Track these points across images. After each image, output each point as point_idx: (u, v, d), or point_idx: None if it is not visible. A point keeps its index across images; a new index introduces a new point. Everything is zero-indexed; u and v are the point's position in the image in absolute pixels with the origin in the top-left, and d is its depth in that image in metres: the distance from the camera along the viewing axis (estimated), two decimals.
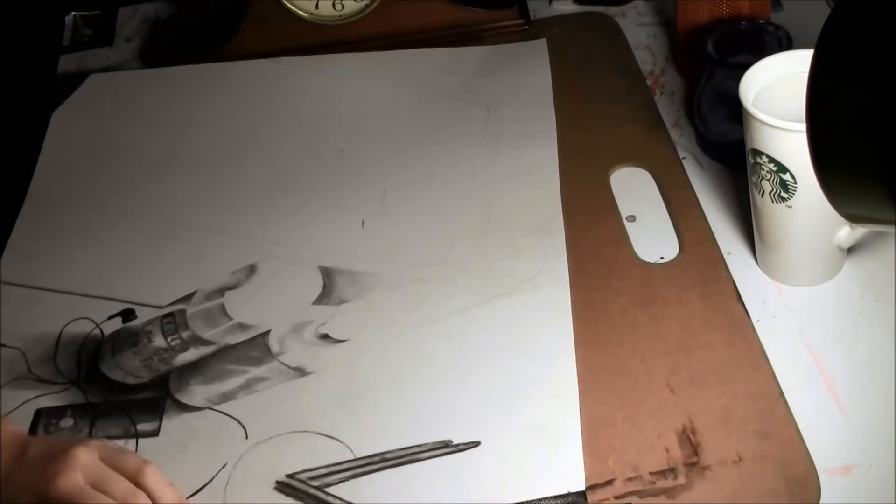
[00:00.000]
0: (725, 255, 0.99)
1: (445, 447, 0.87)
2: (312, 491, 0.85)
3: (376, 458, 0.87)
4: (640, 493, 0.83)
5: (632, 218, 1.03)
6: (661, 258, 1.00)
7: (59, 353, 0.98)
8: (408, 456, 0.87)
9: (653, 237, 1.01)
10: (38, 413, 0.93)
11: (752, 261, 0.98)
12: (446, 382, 0.92)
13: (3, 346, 0.99)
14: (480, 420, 0.88)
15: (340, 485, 0.86)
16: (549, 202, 1.05)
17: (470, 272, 1.00)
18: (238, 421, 0.91)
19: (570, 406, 0.88)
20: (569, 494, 0.83)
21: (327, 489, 0.85)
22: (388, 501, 0.84)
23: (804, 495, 0.82)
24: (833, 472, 0.83)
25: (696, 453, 0.85)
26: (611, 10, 1.27)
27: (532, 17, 1.26)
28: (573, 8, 1.28)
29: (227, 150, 1.15)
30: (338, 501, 0.85)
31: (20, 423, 0.92)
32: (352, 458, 0.87)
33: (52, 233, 1.09)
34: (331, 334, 0.97)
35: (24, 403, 0.94)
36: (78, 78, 1.25)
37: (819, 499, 0.81)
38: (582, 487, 0.83)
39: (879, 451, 0.84)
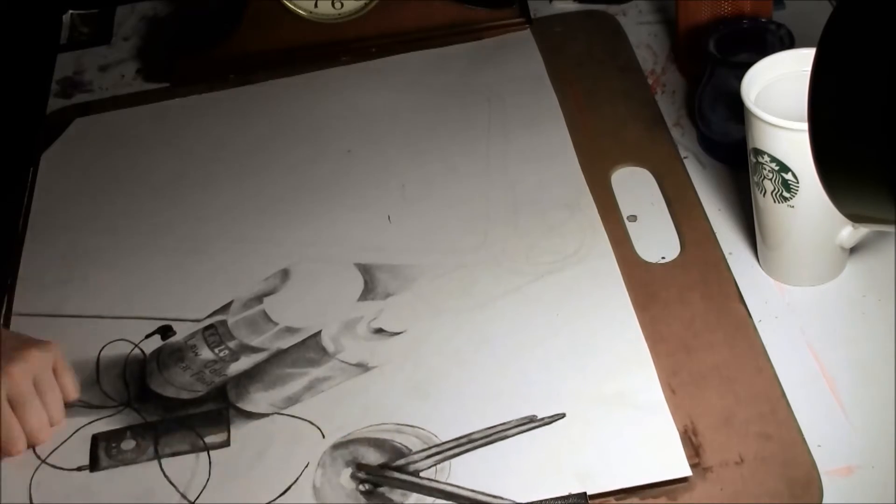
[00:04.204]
0: (727, 255, 0.98)
1: (531, 422, 0.88)
2: (406, 478, 0.86)
3: (463, 440, 0.88)
4: (641, 494, 0.83)
5: (633, 218, 1.03)
6: (663, 258, 0.99)
7: (102, 377, 0.97)
8: (495, 434, 0.88)
9: (654, 237, 1.01)
10: (95, 438, 0.93)
11: (754, 261, 0.98)
12: (516, 361, 0.92)
13: None
14: (559, 393, 0.89)
15: (433, 469, 0.86)
16: (573, 178, 1.06)
17: (511, 254, 1.01)
18: (311, 422, 0.91)
19: (645, 369, 0.90)
20: (570, 496, 0.83)
21: (421, 474, 0.86)
22: (483, 479, 0.85)
23: (806, 496, 0.81)
24: (835, 473, 0.83)
25: (697, 454, 0.85)
26: (611, 9, 1.26)
27: (532, 16, 1.26)
28: (574, 6, 1.28)
29: (231, 166, 1.15)
30: (433, 484, 0.85)
31: (77, 451, 0.92)
32: (438, 442, 0.88)
33: (65, 261, 1.08)
34: (385, 328, 0.97)
35: (77, 430, 0.93)
36: (61, 123, 1.23)
37: (821, 500, 0.81)
38: (678, 441, 0.85)
39: (882, 451, 0.83)
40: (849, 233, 0.91)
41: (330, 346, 0.97)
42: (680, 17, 1.13)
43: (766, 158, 0.88)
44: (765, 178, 0.90)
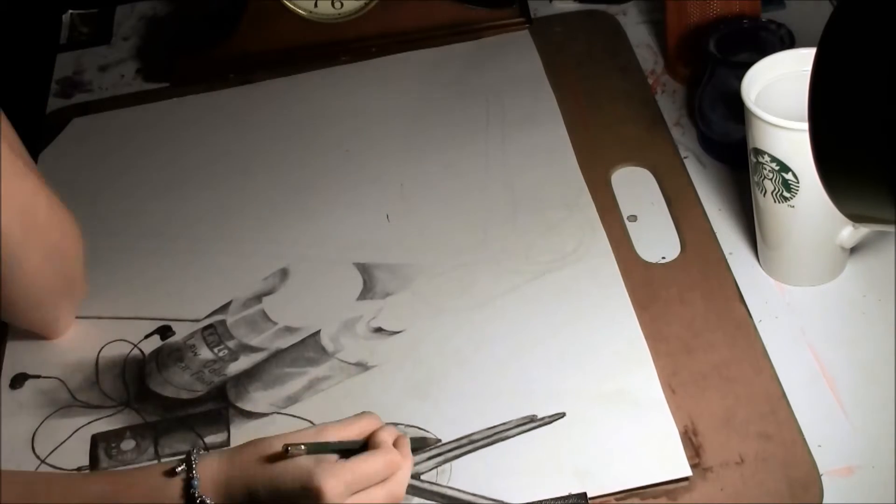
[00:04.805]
0: (727, 255, 0.98)
1: (531, 422, 0.88)
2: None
3: (464, 441, 0.88)
4: (641, 494, 0.83)
5: (633, 218, 1.03)
6: (663, 258, 0.99)
7: (102, 377, 0.97)
8: (495, 435, 0.88)
9: (654, 237, 1.01)
10: (95, 438, 0.93)
11: (755, 261, 0.98)
12: (516, 361, 0.93)
13: (40, 377, 0.98)
14: (559, 393, 0.89)
15: (433, 471, 0.86)
16: (572, 178, 1.06)
17: (510, 253, 1.01)
18: (311, 422, 0.91)
19: (645, 368, 0.90)
20: (570, 496, 0.83)
21: (421, 476, 0.86)
22: (484, 480, 0.85)
23: (806, 496, 0.81)
24: (835, 474, 0.82)
25: (697, 454, 0.84)
26: (612, 9, 1.26)
27: (532, 16, 1.26)
28: (574, 6, 1.27)
29: (228, 166, 1.15)
30: (434, 488, 0.85)
31: (77, 451, 0.91)
32: (439, 444, 0.88)
33: None
34: (384, 327, 0.97)
35: (76, 431, 0.93)
36: (60, 122, 1.23)
37: (821, 500, 0.81)
38: (678, 441, 0.85)
39: (882, 452, 0.83)
40: (849, 233, 0.91)
41: (329, 346, 0.97)
42: (669, 21, 1.13)
43: (767, 158, 0.88)
44: (765, 177, 0.89)
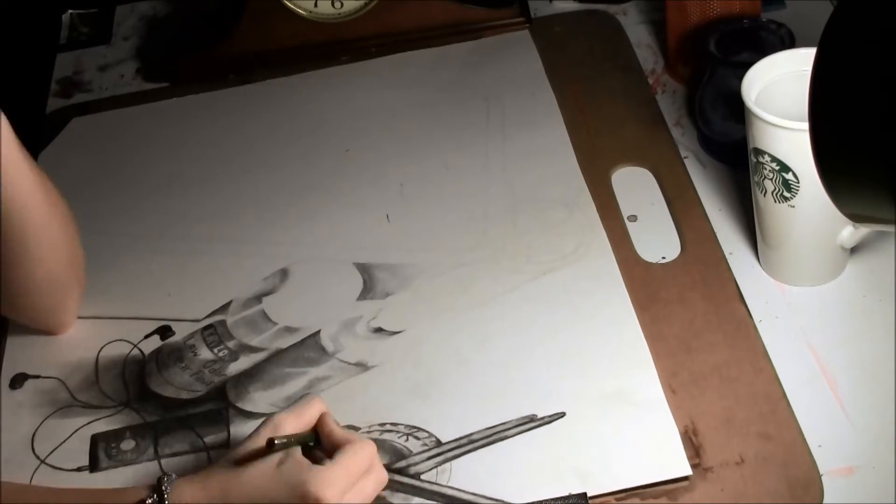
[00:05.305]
0: (727, 255, 0.98)
1: (531, 421, 0.88)
2: (407, 481, 0.85)
3: (464, 441, 0.88)
4: (641, 494, 0.83)
5: (633, 218, 1.03)
6: (663, 258, 0.99)
7: (102, 377, 0.97)
8: (495, 434, 0.88)
9: (654, 237, 1.01)
10: (95, 438, 0.93)
11: (755, 261, 0.98)
12: (515, 361, 0.93)
13: (39, 377, 0.98)
14: (559, 392, 0.89)
15: (433, 471, 0.86)
16: (572, 177, 1.06)
17: (510, 253, 1.01)
18: None
19: (645, 368, 0.90)
20: (570, 496, 0.83)
21: (422, 476, 0.86)
22: (484, 480, 0.85)
23: (807, 497, 0.81)
24: (836, 474, 0.82)
25: (698, 454, 0.84)
26: (612, 8, 1.26)
27: (532, 15, 1.26)
28: (574, 6, 1.27)
29: (228, 165, 1.15)
30: (434, 487, 0.85)
31: (77, 451, 0.91)
32: (439, 443, 0.88)
33: None
34: (384, 327, 0.97)
35: (76, 431, 0.93)
36: (60, 122, 1.23)
37: (822, 500, 0.81)
38: (678, 441, 0.84)
39: (882, 452, 0.83)
40: (849, 233, 0.91)
41: (329, 346, 0.97)
42: (669, 26, 1.13)
43: (767, 158, 0.88)
44: (765, 177, 0.89)
